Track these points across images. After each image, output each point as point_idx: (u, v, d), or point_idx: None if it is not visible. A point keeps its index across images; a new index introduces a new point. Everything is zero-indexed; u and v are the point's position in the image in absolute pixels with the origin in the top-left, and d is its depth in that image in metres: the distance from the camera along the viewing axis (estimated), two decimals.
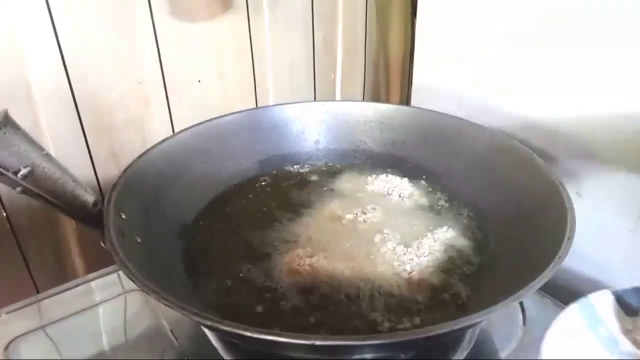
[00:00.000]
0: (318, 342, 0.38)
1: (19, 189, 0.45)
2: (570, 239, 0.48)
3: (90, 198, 0.51)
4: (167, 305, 0.41)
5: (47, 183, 0.46)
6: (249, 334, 0.39)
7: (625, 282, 0.69)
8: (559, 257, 0.46)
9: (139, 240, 0.52)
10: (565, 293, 0.63)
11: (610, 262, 0.70)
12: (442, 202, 0.69)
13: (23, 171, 0.44)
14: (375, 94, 1.12)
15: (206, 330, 0.57)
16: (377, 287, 0.55)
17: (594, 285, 0.72)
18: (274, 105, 0.80)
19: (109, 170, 0.79)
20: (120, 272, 0.69)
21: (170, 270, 0.56)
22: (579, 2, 0.65)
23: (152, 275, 0.47)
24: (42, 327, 0.62)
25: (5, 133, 0.42)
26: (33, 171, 0.44)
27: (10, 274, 0.75)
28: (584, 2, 0.65)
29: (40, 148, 0.46)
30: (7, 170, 0.43)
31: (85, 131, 0.75)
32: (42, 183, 0.46)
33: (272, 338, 0.39)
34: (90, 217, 0.51)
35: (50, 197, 0.47)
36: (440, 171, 0.72)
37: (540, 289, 0.62)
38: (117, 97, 0.77)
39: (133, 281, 0.43)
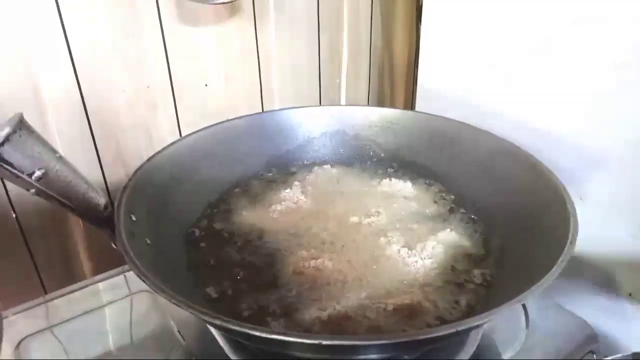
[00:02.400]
0: (325, 342, 0.39)
1: (32, 190, 0.45)
2: (573, 243, 0.49)
3: (101, 200, 0.51)
4: (176, 305, 0.42)
5: (60, 185, 0.47)
6: (257, 333, 0.40)
7: (627, 285, 0.70)
8: (561, 261, 0.47)
9: (148, 241, 0.53)
10: (568, 296, 0.64)
11: (613, 267, 0.71)
12: (445, 206, 0.70)
13: (37, 173, 0.45)
14: (380, 99, 1.13)
15: (213, 330, 0.58)
16: (381, 289, 0.55)
17: (597, 290, 0.73)
18: (279, 109, 0.81)
19: (117, 173, 0.80)
20: (127, 274, 0.70)
21: (179, 271, 0.57)
22: (581, 8, 0.66)
23: (161, 276, 0.47)
24: (50, 328, 0.62)
25: (20, 136, 0.43)
26: (47, 173, 0.45)
27: (19, 275, 0.76)
28: (586, 8, 0.65)
29: (53, 151, 0.47)
30: (22, 173, 0.44)
31: (94, 134, 0.76)
32: (56, 185, 0.46)
33: (280, 337, 0.40)
34: (101, 218, 0.52)
35: (63, 198, 0.48)
36: (444, 175, 0.73)
37: (543, 292, 0.63)
38: (125, 100, 0.78)
39: (144, 281, 0.44)
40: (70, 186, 0.48)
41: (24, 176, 0.44)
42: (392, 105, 1.14)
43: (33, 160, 0.44)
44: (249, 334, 0.40)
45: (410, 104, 1.13)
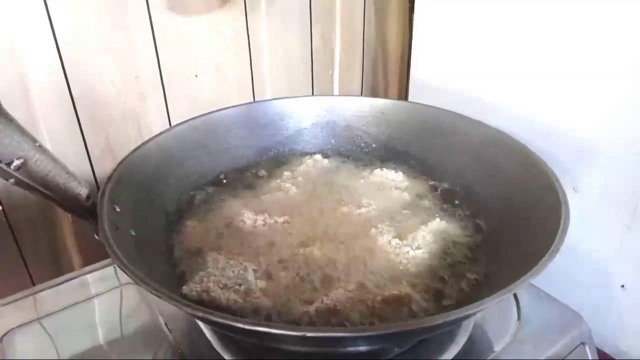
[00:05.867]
0: (309, 334, 0.38)
1: (11, 180, 0.44)
2: (564, 233, 0.48)
3: (83, 190, 0.51)
4: (158, 297, 0.41)
5: (40, 175, 0.46)
6: (240, 325, 0.39)
7: (620, 277, 0.69)
8: (552, 251, 0.46)
9: (132, 233, 0.52)
10: (560, 287, 0.63)
11: (606, 257, 0.70)
12: (437, 196, 0.69)
13: (16, 162, 0.44)
14: (374, 90, 1.12)
15: (200, 324, 0.58)
16: (371, 278, 0.55)
17: (589, 281, 0.72)
18: (270, 99, 0.80)
19: (105, 164, 0.79)
20: (117, 266, 0.69)
21: (164, 263, 0.56)
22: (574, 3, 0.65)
23: (144, 267, 0.47)
24: (38, 320, 0.62)
25: None
26: (26, 163, 0.44)
27: (7, 267, 0.75)
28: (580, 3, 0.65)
29: (33, 140, 0.45)
30: (0, 162, 0.43)
31: (82, 125, 0.75)
32: (35, 175, 0.46)
33: (264, 329, 0.39)
34: (83, 209, 0.51)
35: (44, 189, 0.47)
36: (436, 165, 0.72)
37: (535, 283, 0.62)
38: (113, 91, 0.77)
39: (125, 272, 0.43)
40: (51, 176, 0.47)
41: (2, 165, 0.43)
42: (386, 96, 1.13)
43: (11, 148, 0.43)
44: (232, 326, 0.40)
45: (404, 96, 1.12)
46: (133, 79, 0.78)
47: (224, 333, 0.55)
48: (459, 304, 0.52)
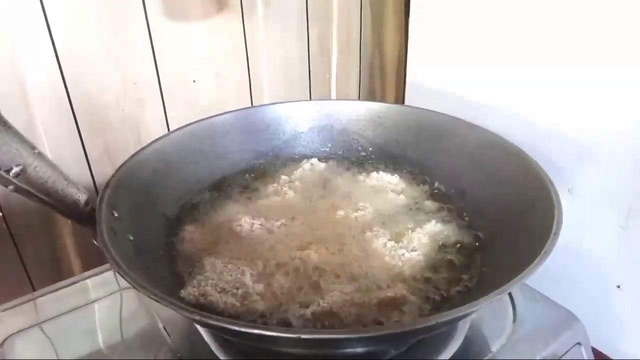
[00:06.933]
0: (304, 336, 0.39)
1: (10, 187, 0.45)
2: (556, 235, 0.48)
3: (82, 196, 0.51)
4: (155, 301, 0.42)
5: (39, 181, 0.47)
6: (236, 327, 0.40)
7: (616, 277, 0.70)
8: (545, 252, 0.46)
9: (131, 238, 0.53)
10: (556, 288, 0.64)
11: (602, 259, 0.71)
12: (433, 198, 0.69)
13: (15, 169, 0.44)
14: (371, 94, 1.12)
15: (199, 328, 0.58)
16: (367, 281, 0.55)
17: (585, 281, 0.73)
18: (267, 104, 0.81)
19: (104, 170, 0.80)
20: (115, 271, 0.70)
21: (162, 267, 0.56)
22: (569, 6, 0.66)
23: (143, 272, 0.47)
24: (38, 324, 0.62)
25: None
26: (25, 170, 0.45)
27: (7, 272, 0.76)
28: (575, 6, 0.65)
29: (32, 146, 0.46)
30: None
31: (81, 131, 0.76)
32: (34, 181, 0.46)
33: (259, 332, 0.39)
34: (82, 215, 0.51)
35: (42, 195, 0.47)
36: (432, 168, 0.73)
37: (531, 283, 0.63)
38: (112, 96, 0.77)
39: (123, 277, 0.44)
40: (49, 182, 0.47)
41: (1, 172, 0.43)
42: (383, 100, 1.14)
43: (10, 156, 0.44)
44: (228, 329, 0.40)
45: (401, 100, 1.12)
46: (132, 84, 0.79)
47: (222, 336, 0.56)
48: (453, 305, 0.53)
